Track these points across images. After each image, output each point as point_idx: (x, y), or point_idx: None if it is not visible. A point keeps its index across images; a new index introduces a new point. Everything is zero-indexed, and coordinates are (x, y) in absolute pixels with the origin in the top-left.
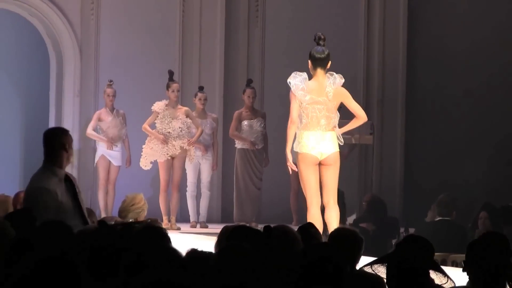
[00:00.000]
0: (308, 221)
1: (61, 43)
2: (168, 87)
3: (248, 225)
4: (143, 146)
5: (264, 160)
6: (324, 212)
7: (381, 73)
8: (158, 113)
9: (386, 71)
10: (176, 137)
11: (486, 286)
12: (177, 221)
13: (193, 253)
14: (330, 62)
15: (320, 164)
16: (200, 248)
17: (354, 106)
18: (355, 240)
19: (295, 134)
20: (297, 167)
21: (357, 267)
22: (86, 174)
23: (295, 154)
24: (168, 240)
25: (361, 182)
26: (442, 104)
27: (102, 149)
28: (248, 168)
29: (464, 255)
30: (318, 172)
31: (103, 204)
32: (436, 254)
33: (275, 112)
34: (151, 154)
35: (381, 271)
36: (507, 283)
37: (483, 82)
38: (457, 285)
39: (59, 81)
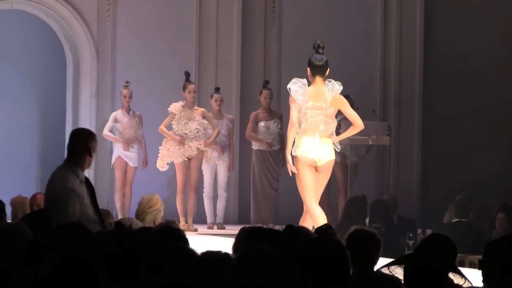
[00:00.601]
0: (312, 219)
1: (78, 44)
2: (184, 88)
3: (265, 226)
4: (160, 148)
5: (280, 161)
6: (302, 215)
7: (397, 74)
8: (175, 115)
9: (402, 73)
10: (193, 138)
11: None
12: (194, 222)
13: (209, 254)
14: (328, 69)
15: (315, 169)
16: (217, 249)
17: (351, 114)
18: (374, 241)
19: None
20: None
21: (375, 269)
22: (103, 175)
23: (293, 158)
24: (185, 241)
25: (378, 183)
26: (458, 105)
27: (118, 150)
28: (265, 169)
29: (481, 256)
30: (315, 173)
31: (120, 205)
32: None
33: None
34: (168, 155)
35: (398, 272)
36: None
37: (499, 83)
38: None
39: (76, 82)
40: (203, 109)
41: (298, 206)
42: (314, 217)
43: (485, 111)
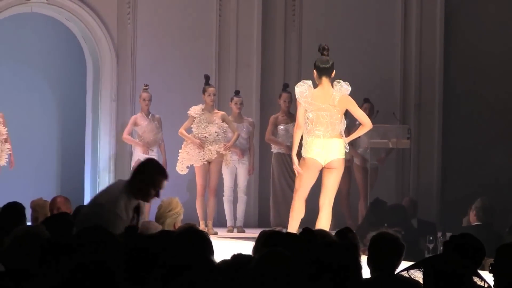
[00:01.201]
0: (291, 209)
1: (98, 48)
2: (204, 91)
3: (284, 229)
4: (180, 151)
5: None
6: (318, 216)
7: (418, 77)
8: (194, 118)
9: (423, 75)
10: (213, 141)
11: None
12: (214, 225)
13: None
14: (334, 71)
15: (323, 168)
16: (237, 252)
17: (359, 114)
18: (397, 246)
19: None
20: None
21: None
22: (123, 178)
23: (300, 158)
24: (209, 243)
25: (398, 186)
26: (478, 108)
27: (138, 153)
28: (284, 172)
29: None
30: (316, 177)
31: None
32: None
33: None
34: (188, 158)
35: (418, 276)
36: None
37: None
38: None
39: (96, 85)
40: (223, 113)
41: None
42: (294, 209)
43: (505, 113)
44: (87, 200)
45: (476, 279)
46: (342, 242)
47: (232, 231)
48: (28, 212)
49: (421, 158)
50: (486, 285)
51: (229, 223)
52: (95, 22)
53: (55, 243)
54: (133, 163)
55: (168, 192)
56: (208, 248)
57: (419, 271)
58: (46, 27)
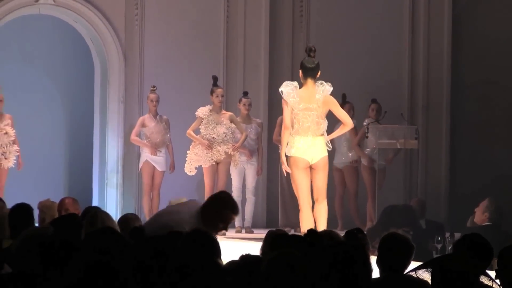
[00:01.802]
0: (300, 220)
1: (106, 49)
2: (212, 92)
3: (293, 230)
4: (188, 152)
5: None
6: (313, 208)
7: (425, 77)
8: (202, 119)
9: (430, 76)
10: (221, 142)
11: None
12: None
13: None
14: (319, 72)
15: (311, 168)
16: (246, 253)
17: (341, 113)
18: (407, 247)
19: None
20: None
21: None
22: (131, 179)
23: (287, 158)
24: (217, 244)
25: (406, 187)
26: (487, 109)
27: (146, 154)
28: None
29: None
30: (309, 174)
31: (148, 209)
32: None
33: None
34: (196, 159)
35: (426, 277)
36: None
37: None
38: None
39: (104, 86)
40: (230, 113)
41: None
42: (302, 220)
43: None
44: (95, 201)
45: (484, 278)
46: (352, 242)
47: (240, 232)
48: (36, 213)
49: (429, 158)
50: (494, 285)
51: (237, 223)
52: (103, 23)
53: (63, 244)
54: (141, 164)
55: (176, 193)
56: (215, 250)
57: (427, 272)
58: (54, 28)
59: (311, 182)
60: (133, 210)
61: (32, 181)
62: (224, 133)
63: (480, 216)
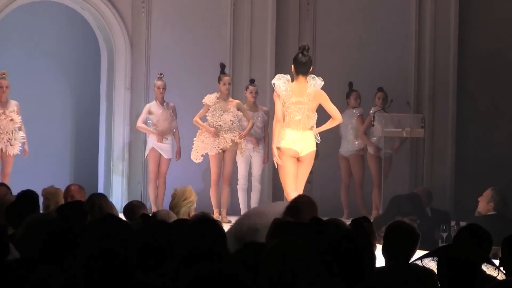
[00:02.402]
0: None
1: (112, 36)
2: (219, 80)
3: None
4: (194, 139)
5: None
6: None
7: (432, 66)
8: (209, 106)
9: (437, 66)
10: (227, 130)
11: None
12: (228, 214)
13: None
14: (312, 67)
15: (297, 159)
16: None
17: (330, 108)
18: (412, 236)
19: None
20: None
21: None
22: (137, 167)
23: (278, 149)
24: (222, 232)
25: (411, 176)
26: (493, 98)
27: (152, 142)
28: None
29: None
30: (296, 164)
31: (154, 197)
32: None
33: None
34: (202, 147)
35: (432, 265)
36: None
37: None
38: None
39: (110, 73)
40: (237, 101)
41: (332, 198)
42: None
43: None
44: (101, 188)
45: (489, 268)
46: (357, 230)
47: None
48: (40, 201)
49: (435, 147)
50: (499, 274)
51: (243, 211)
52: (109, 10)
53: (66, 231)
54: (147, 151)
55: (182, 180)
56: (221, 237)
57: (433, 261)
58: (61, 15)
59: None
60: (139, 198)
61: (38, 168)
62: (231, 120)
63: (485, 205)
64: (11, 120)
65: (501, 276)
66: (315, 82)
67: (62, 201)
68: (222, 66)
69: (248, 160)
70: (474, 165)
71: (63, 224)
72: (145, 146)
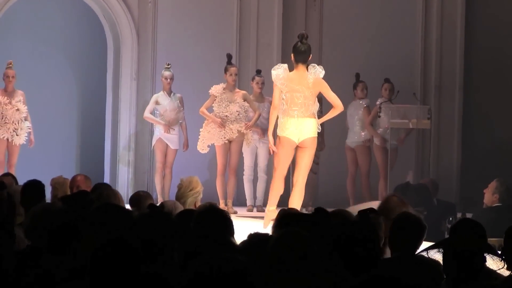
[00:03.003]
0: (271, 187)
1: (119, 26)
2: (226, 70)
3: (304, 209)
4: (201, 130)
5: (320, 144)
6: (291, 193)
7: (438, 57)
8: (216, 97)
9: (443, 57)
10: (234, 120)
11: None
12: (234, 204)
13: (254, 236)
14: (311, 55)
15: (297, 147)
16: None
17: (331, 96)
18: (419, 227)
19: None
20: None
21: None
22: (143, 157)
23: (276, 137)
24: (230, 222)
25: (418, 167)
26: (499, 89)
27: (159, 132)
28: None
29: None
30: (293, 154)
31: (160, 187)
32: (493, 239)
33: None
34: (209, 137)
35: (437, 257)
36: None
37: None
38: None
39: (116, 64)
40: (244, 92)
41: (338, 189)
42: (272, 188)
43: None
44: (107, 178)
45: (495, 260)
46: (363, 221)
47: (251, 210)
48: (48, 190)
49: (441, 138)
50: (505, 266)
51: (248, 202)
52: (116, 0)
53: (73, 221)
54: (154, 141)
55: (188, 171)
56: (228, 227)
57: (438, 252)
58: (67, 5)
59: (295, 160)
60: (145, 188)
61: (44, 158)
62: (237, 111)
63: (490, 197)
64: (17, 110)
65: (504, 268)
66: (315, 71)
67: (68, 191)
68: (229, 57)
69: (254, 151)
70: (480, 157)
71: (69, 214)
72: (151, 136)
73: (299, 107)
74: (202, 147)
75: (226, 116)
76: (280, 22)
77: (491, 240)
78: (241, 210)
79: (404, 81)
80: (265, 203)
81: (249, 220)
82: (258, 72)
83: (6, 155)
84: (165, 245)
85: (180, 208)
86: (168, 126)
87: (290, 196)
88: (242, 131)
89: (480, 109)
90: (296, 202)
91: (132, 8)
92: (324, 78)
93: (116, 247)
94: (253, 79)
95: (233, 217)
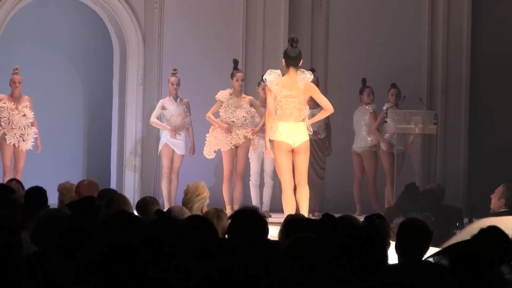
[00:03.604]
0: (283, 201)
1: (125, 32)
2: (232, 76)
3: (311, 214)
4: (207, 135)
5: (327, 149)
6: (296, 192)
7: (445, 62)
8: (222, 102)
9: (449, 61)
10: (240, 126)
11: None
12: None
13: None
14: (301, 60)
15: (293, 151)
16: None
17: (322, 99)
18: (426, 233)
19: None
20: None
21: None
22: (150, 162)
23: (271, 142)
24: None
25: (424, 172)
26: (506, 93)
27: (165, 137)
28: (310, 157)
29: None
30: (291, 157)
31: (166, 192)
32: None
33: (338, 101)
34: (215, 143)
35: (444, 263)
36: None
37: None
38: None
39: (123, 69)
40: (250, 97)
41: (344, 194)
42: (285, 202)
43: None
44: (113, 183)
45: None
46: (370, 227)
47: None
48: (52, 196)
49: (447, 143)
50: None
51: None
52: (122, 5)
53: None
54: (160, 147)
55: (194, 176)
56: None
57: (445, 259)
58: (73, 10)
59: (293, 166)
60: (151, 193)
61: (51, 163)
62: (243, 117)
63: (497, 202)
64: (24, 115)
65: None
66: (304, 76)
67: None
68: (235, 62)
69: (261, 156)
70: (487, 162)
71: (75, 220)
72: (158, 141)
73: (293, 111)
74: (208, 153)
75: (233, 121)
76: (286, 28)
77: None
78: None
79: (411, 86)
80: (271, 209)
81: None
82: None
83: (12, 160)
84: (173, 250)
85: (187, 213)
86: (175, 131)
87: (296, 195)
88: (248, 137)
89: (486, 113)
90: (303, 199)
91: (138, 13)
92: (331, 83)
93: (122, 251)
94: (259, 84)
95: None
